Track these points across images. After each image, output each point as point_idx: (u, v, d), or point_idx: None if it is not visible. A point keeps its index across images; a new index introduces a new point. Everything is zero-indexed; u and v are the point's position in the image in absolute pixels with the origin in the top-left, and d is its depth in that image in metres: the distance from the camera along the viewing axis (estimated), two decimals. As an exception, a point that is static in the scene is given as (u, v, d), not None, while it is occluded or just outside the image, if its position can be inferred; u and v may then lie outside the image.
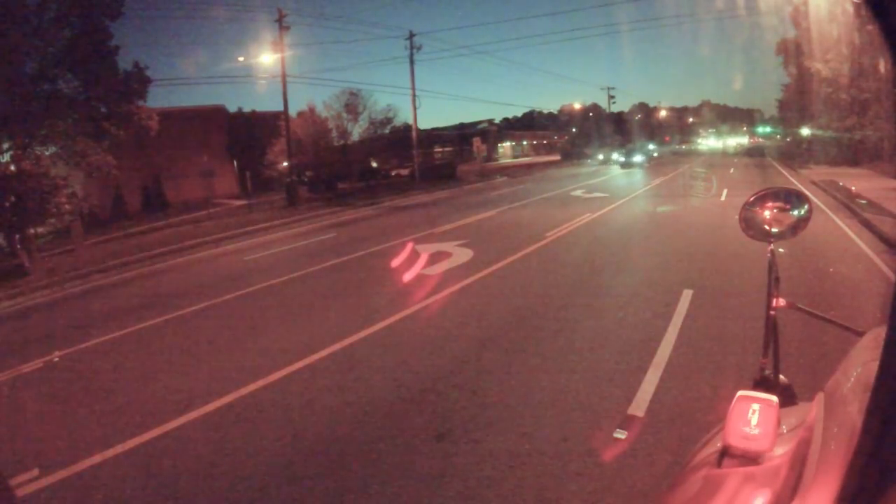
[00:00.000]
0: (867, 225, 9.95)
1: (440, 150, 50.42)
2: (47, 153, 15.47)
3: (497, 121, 68.86)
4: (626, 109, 78.71)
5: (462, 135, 52.93)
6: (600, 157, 47.83)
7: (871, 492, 0.58)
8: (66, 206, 15.21)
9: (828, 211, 11.85)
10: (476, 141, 43.14)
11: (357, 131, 32.60)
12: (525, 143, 69.29)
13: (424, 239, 11.74)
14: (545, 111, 77.47)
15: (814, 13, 22.62)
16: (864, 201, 12.33)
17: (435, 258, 9.49)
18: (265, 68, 24.98)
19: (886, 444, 0.58)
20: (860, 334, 1.20)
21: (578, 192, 20.07)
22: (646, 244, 10.02)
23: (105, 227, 23.05)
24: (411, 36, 30.40)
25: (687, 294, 6.31)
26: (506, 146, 63.89)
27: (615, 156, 42.72)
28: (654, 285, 6.96)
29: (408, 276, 8.40)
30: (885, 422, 0.59)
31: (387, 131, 34.02)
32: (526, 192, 22.32)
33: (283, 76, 24.25)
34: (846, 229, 9.89)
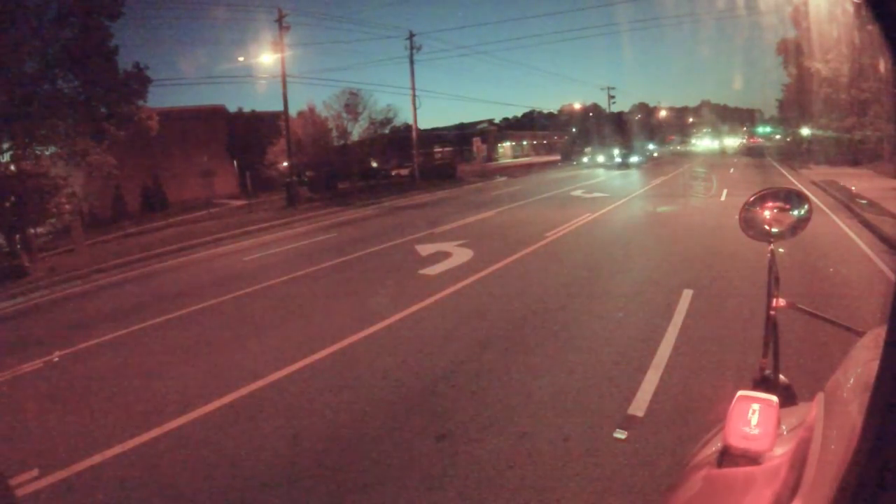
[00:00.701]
0: (867, 225, 9.95)
1: (440, 150, 50.36)
2: (47, 153, 15.47)
3: (497, 121, 68.87)
4: (626, 109, 78.71)
5: (462, 135, 52.87)
6: (585, 159, 43.89)
7: (871, 492, 0.58)
8: (66, 206, 15.22)
9: (828, 211, 11.85)
10: (476, 141, 43.13)
11: (357, 131, 32.56)
12: (525, 143, 69.29)
13: (424, 239, 11.73)
14: (545, 111, 77.48)
15: (814, 13, 22.63)
16: (864, 201, 12.32)
17: (435, 258, 9.49)
18: (265, 68, 24.97)
19: (886, 444, 0.58)
20: (860, 334, 1.20)
21: (578, 192, 20.06)
22: (645, 244, 10.03)
23: (105, 226, 23.07)
24: (411, 36, 30.39)
25: (687, 294, 6.32)
26: (506, 146, 63.84)
27: (602, 158, 40.01)
28: (655, 285, 6.96)
29: (407, 277, 8.40)
30: (885, 422, 0.58)
31: (387, 131, 33.95)
32: (525, 192, 22.31)
33: (283, 76, 24.24)
34: (846, 229, 9.89)
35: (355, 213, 19.86)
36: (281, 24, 23.84)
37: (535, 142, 70.40)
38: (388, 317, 6.32)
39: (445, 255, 9.70)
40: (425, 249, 10.34)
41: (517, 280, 7.82)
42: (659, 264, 8.17)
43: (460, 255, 9.63)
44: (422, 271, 8.62)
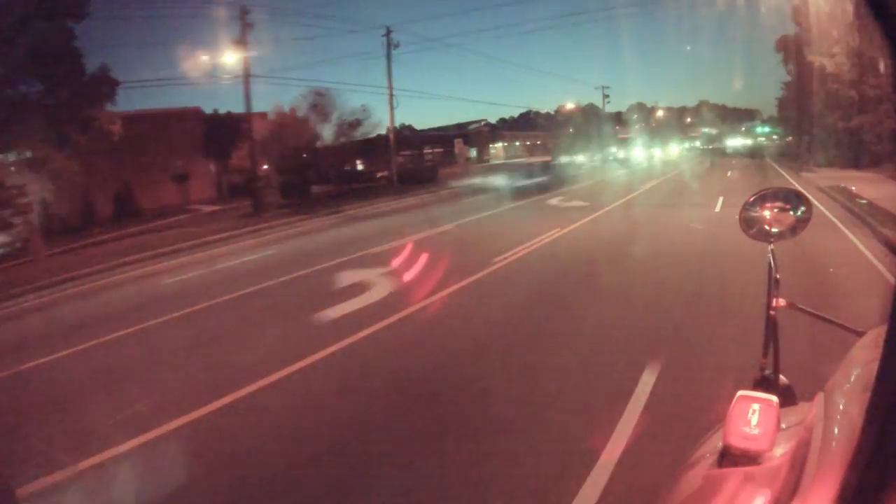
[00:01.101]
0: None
1: (430, 150, 49.55)
2: (8, 160, 14.60)
3: (494, 121, 68.37)
4: (623, 109, 78.37)
5: (455, 135, 52.41)
6: (581, 159, 39.50)
7: (871, 492, 0.58)
8: (14, 220, 13.83)
9: (840, 225, 9.91)
10: (458, 143, 41.01)
11: (329, 133, 31.07)
12: (518, 143, 68.71)
13: (355, 262, 9.90)
14: (542, 111, 77.04)
15: (815, 8, 22.16)
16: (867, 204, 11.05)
17: (346, 293, 7.60)
18: (229, 69, 22.65)
19: (886, 444, 0.58)
20: (860, 334, 1.20)
21: (555, 201, 18.10)
22: (612, 279, 7.55)
23: (74, 234, 20.34)
24: (388, 32, 28.52)
25: (647, 381, 4.09)
26: (498, 147, 63.08)
27: (591, 159, 37.35)
28: (607, 360, 4.70)
29: (294, 323, 6.69)
30: (885, 422, 0.59)
31: (357, 133, 31.96)
32: (501, 198, 19.61)
33: (246, 76, 22.23)
34: (862, 247, 8.08)
35: (312, 223, 18.01)
36: (244, 21, 21.86)
37: (528, 142, 69.98)
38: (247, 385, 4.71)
39: (362, 288, 7.78)
40: (346, 278, 8.48)
41: (433, 330, 6.00)
42: (622, 316, 5.87)
43: (379, 287, 7.73)
44: (321, 313, 6.68)
